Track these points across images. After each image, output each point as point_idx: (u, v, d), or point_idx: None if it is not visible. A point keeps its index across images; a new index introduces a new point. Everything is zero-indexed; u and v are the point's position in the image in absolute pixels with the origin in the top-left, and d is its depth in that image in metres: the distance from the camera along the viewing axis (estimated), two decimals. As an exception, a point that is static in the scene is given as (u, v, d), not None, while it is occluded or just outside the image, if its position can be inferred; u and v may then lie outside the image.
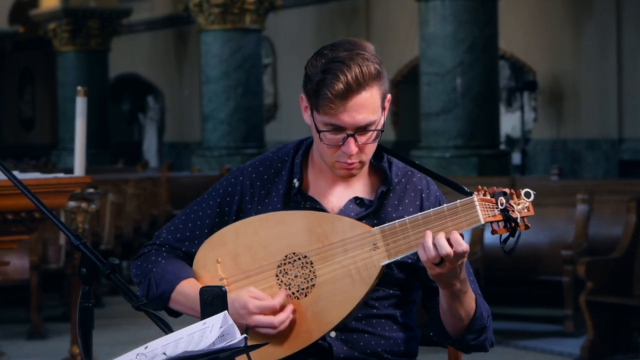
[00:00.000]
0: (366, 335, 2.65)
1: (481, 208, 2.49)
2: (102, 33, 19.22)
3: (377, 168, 2.72)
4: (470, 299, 2.62)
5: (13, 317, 9.21)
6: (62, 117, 19.00)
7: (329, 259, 2.59)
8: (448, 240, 2.47)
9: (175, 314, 2.72)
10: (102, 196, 9.83)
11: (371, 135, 2.59)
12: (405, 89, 17.00)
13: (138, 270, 2.75)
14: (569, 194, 8.50)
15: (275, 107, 19.36)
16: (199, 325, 2.06)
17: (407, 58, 16.42)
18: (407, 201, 2.70)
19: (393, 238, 2.55)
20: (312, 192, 2.70)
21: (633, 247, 7.18)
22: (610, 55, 14.24)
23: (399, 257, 2.56)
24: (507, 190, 2.51)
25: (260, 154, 3.28)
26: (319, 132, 2.59)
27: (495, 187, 2.53)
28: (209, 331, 2.03)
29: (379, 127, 2.60)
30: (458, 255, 2.47)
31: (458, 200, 2.51)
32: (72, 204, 6.60)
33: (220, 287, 2.39)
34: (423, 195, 2.72)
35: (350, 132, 2.56)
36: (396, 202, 2.69)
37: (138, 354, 1.99)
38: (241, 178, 2.75)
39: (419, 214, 2.55)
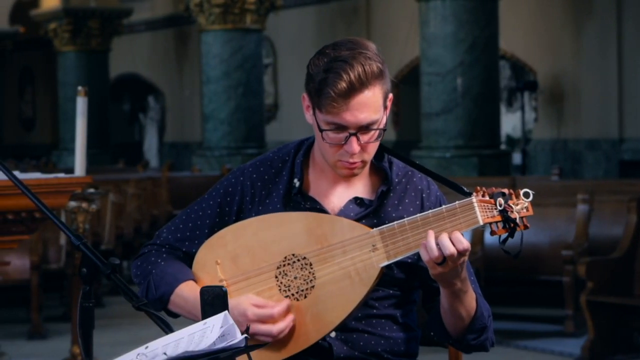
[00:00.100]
0: (366, 335, 2.65)
1: (480, 209, 2.49)
2: (102, 33, 19.21)
3: (378, 168, 2.72)
4: (471, 299, 2.62)
5: (13, 317, 9.21)
6: (63, 117, 19.01)
7: (328, 261, 2.59)
8: (449, 239, 2.48)
9: (175, 314, 2.72)
10: (103, 196, 9.82)
11: (373, 134, 2.59)
12: (405, 89, 17.00)
13: (138, 271, 2.75)
14: (570, 194, 8.50)
15: (276, 107, 19.36)
16: (199, 325, 2.06)
17: (407, 58, 16.43)
18: (407, 201, 2.70)
19: (392, 239, 2.55)
20: (312, 192, 2.70)
21: (633, 247, 7.18)
22: (611, 55, 14.23)
23: (398, 259, 2.57)
24: (506, 190, 2.51)
25: (261, 154, 3.28)
26: (321, 131, 2.59)
27: (494, 188, 2.53)
28: (210, 331, 2.03)
29: (381, 126, 2.60)
30: (460, 254, 2.48)
31: (457, 202, 2.52)
32: (72, 204, 6.60)
33: (220, 287, 2.38)
34: (424, 195, 2.72)
35: (352, 131, 2.56)
36: (396, 202, 2.69)
37: (138, 354, 1.99)
38: (242, 178, 2.75)
39: (418, 215, 2.54)
